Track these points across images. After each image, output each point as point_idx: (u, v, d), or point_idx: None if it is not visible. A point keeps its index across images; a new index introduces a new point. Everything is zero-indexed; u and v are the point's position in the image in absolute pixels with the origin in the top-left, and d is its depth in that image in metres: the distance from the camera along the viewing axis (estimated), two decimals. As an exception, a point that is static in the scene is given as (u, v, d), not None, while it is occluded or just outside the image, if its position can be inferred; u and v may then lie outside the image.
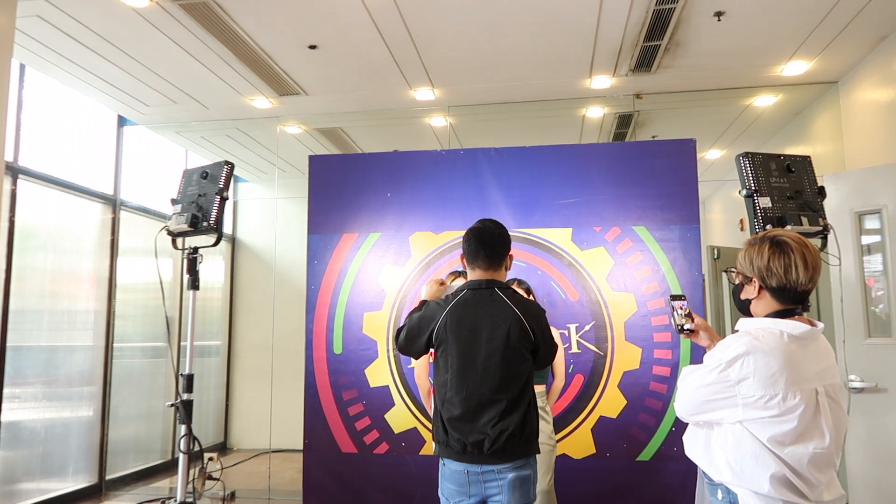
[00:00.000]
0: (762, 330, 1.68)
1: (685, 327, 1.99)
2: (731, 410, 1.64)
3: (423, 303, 2.47)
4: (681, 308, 2.01)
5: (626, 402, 3.84)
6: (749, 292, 1.77)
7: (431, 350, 2.42)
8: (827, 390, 1.65)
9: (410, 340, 2.41)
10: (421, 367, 3.45)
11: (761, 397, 1.60)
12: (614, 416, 3.84)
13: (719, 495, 1.71)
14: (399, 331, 2.46)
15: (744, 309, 1.81)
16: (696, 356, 3.81)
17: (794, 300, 1.72)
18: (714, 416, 1.69)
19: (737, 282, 1.82)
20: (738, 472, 1.63)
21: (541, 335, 2.32)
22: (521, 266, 3.96)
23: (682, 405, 1.79)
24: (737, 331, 1.75)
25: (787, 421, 1.58)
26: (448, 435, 2.25)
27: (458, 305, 2.32)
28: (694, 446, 1.80)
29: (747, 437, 1.62)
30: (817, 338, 1.71)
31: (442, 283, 2.64)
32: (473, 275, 2.39)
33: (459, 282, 2.86)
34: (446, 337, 2.30)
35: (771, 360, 1.61)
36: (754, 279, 1.74)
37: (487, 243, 2.36)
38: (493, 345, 2.25)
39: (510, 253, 2.45)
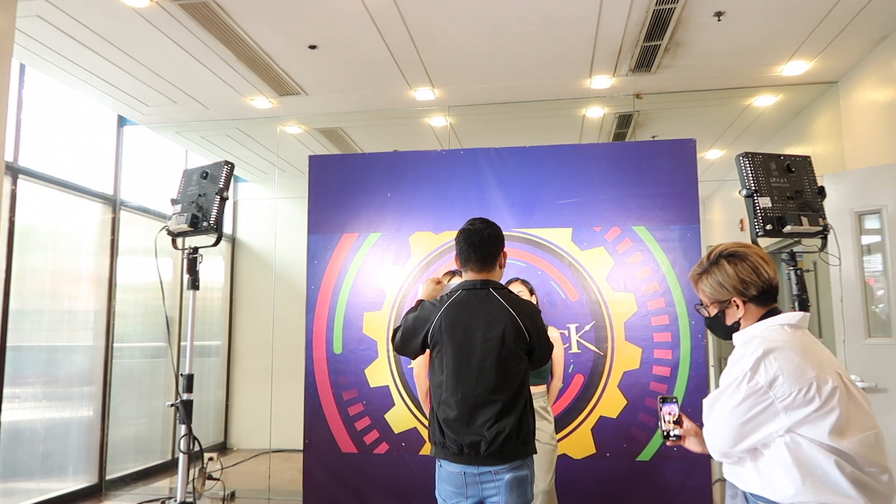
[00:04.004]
0: (766, 329, 1.66)
1: (672, 434, 1.85)
2: (774, 421, 1.54)
3: (420, 302, 2.46)
4: (669, 413, 1.87)
5: (626, 402, 3.84)
6: (734, 314, 1.74)
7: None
8: (843, 374, 1.61)
9: (406, 341, 2.41)
10: (420, 367, 3.44)
11: (798, 392, 1.53)
12: (614, 416, 3.84)
13: None
14: (395, 331, 2.46)
15: (731, 336, 1.76)
16: (697, 357, 3.81)
17: (773, 298, 1.72)
18: (759, 436, 1.57)
19: (713, 313, 1.78)
20: (811, 487, 1.52)
21: (536, 335, 2.31)
22: (521, 266, 3.96)
23: (719, 439, 1.63)
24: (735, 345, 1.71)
25: (832, 410, 1.52)
26: (444, 436, 2.24)
27: (453, 306, 2.31)
28: (742, 477, 1.66)
29: (804, 447, 1.53)
30: (807, 323, 1.71)
31: (439, 283, 2.63)
32: (467, 276, 2.39)
33: (456, 280, 2.85)
34: (441, 338, 2.29)
35: (790, 353, 1.57)
36: (733, 298, 1.72)
37: (477, 245, 2.34)
38: (488, 345, 2.24)
39: (504, 251, 2.43)
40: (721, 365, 5.44)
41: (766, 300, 1.71)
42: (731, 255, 1.73)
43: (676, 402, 1.89)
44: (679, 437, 1.86)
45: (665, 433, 1.87)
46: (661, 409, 1.88)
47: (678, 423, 1.87)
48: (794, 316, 1.67)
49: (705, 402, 1.69)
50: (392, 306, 4.12)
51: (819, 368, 1.56)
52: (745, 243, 1.77)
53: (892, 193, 3.60)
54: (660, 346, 3.84)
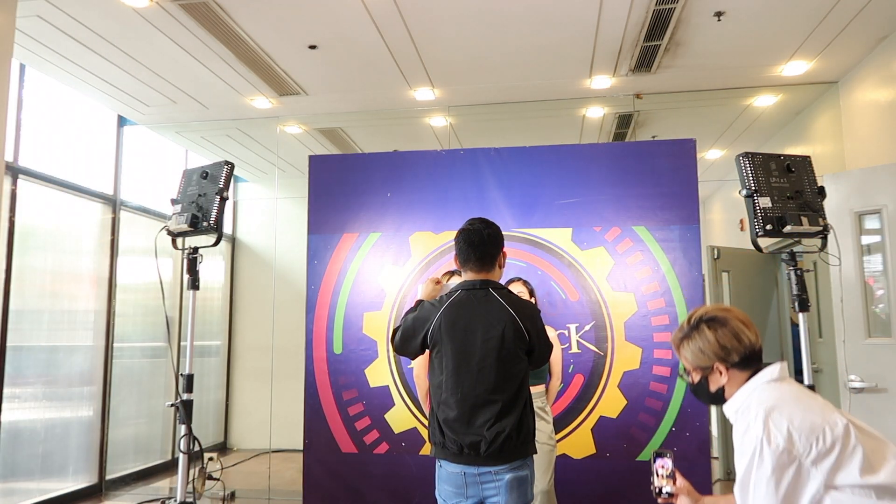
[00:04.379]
0: (756, 391, 1.64)
1: (665, 491, 1.79)
2: (810, 482, 1.49)
3: (419, 303, 2.46)
4: (662, 468, 1.81)
5: (626, 402, 3.84)
6: (717, 380, 1.71)
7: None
8: (842, 411, 1.59)
9: (405, 341, 2.40)
10: (420, 367, 3.44)
11: (816, 441, 1.49)
12: (614, 416, 3.84)
13: None
14: (395, 331, 2.46)
15: (718, 401, 1.74)
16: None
17: (757, 360, 1.69)
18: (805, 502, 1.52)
19: (696, 379, 1.75)
20: None
21: (536, 336, 2.30)
22: (521, 266, 3.96)
23: None
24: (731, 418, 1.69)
25: (855, 448, 1.49)
26: (444, 436, 2.24)
27: (453, 306, 2.31)
28: None
29: (851, 501, 1.48)
30: (787, 371, 1.69)
31: (438, 283, 2.63)
32: (467, 276, 2.39)
33: (455, 280, 2.85)
34: (441, 338, 2.29)
35: (790, 407, 1.55)
36: (715, 364, 1.69)
37: (476, 245, 2.34)
38: (488, 345, 2.24)
39: (503, 251, 2.43)
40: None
41: (749, 364, 1.68)
42: (711, 320, 1.70)
43: (671, 456, 1.82)
44: (671, 495, 1.80)
45: (657, 490, 1.79)
46: (653, 463, 1.80)
47: (671, 477, 1.81)
48: (773, 370, 1.65)
49: (735, 490, 1.60)
50: (392, 306, 4.12)
51: (821, 413, 1.54)
52: (725, 306, 1.74)
53: (892, 193, 3.59)
54: (660, 346, 3.84)
